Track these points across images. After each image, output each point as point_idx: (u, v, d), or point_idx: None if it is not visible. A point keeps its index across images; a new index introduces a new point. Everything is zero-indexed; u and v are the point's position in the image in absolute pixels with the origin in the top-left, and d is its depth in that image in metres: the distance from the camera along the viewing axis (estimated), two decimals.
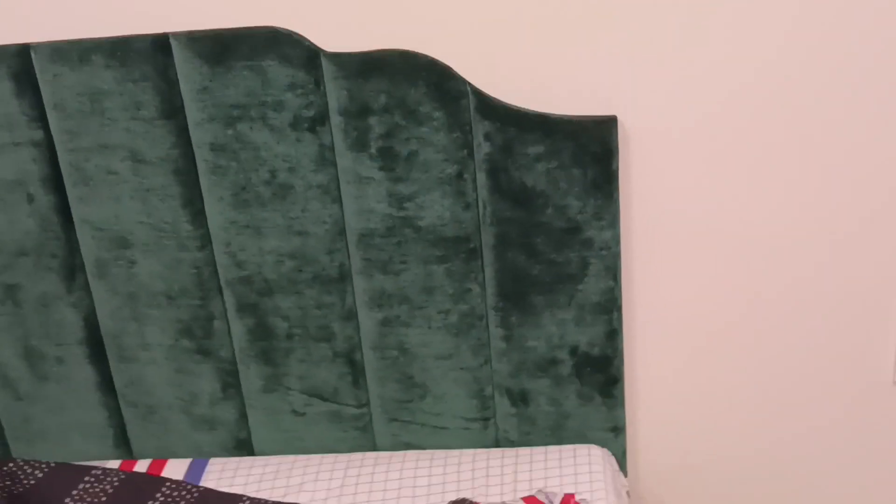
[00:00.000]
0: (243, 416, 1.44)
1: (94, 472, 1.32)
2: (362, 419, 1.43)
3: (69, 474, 1.29)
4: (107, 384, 1.43)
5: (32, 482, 1.27)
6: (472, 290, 1.33)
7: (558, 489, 1.30)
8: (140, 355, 1.40)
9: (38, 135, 1.28)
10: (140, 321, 1.38)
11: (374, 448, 1.45)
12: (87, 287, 1.37)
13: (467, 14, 1.22)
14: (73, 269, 1.36)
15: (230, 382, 1.41)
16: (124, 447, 1.48)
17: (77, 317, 1.38)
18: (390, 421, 1.42)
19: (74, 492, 1.25)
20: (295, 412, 1.43)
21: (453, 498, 1.29)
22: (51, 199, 1.31)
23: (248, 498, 1.31)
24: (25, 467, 1.31)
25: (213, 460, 1.44)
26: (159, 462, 1.44)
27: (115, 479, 1.27)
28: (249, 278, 1.34)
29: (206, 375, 1.41)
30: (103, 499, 1.26)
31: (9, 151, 1.29)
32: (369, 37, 1.24)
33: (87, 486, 1.28)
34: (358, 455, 1.42)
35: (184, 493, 1.31)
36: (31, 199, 1.31)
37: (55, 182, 1.30)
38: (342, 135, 1.25)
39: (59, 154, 1.29)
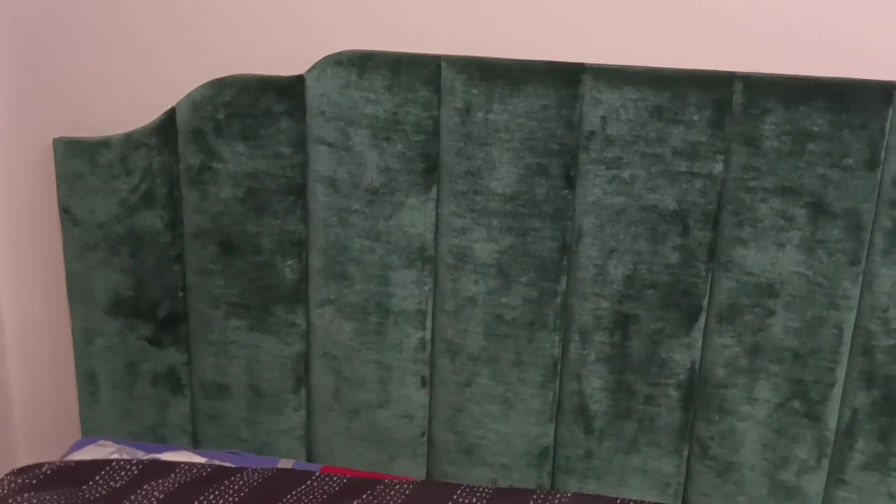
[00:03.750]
0: (826, 491, 1.30)
1: None
2: None
3: None
4: (688, 433, 1.33)
5: None
6: None
7: None
8: (741, 409, 1.28)
9: (718, 168, 1.19)
10: (755, 374, 1.27)
11: None
12: (705, 330, 1.27)
13: None
14: (699, 310, 1.26)
15: (827, 453, 1.29)
16: (681, 500, 1.36)
17: (685, 358, 1.27)
18: None
19: None
20: (892, 496, 1.28)
21: None
22: (703, 235, 1.22)
23: None
24: None
25: None
26: None
27: None
28: (895, 348, 1.23)
29: (805, 442, 1.27)
30: None
31: (681, 181, 1.20)
32: None
33: None
34: None
35: None
36: (685, 232, 1.23)
37: (714, 219, 1.23)
38: None
39: (729, 191, 1.21)
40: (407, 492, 1.20)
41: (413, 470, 1.42)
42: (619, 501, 1.22)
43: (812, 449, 1.28)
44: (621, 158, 1.21)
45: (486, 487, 1.25)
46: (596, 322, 1.29)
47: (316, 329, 1.38)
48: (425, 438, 1.40)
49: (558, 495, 1.25)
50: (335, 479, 1.23)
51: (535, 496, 1.24)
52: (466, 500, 1.21)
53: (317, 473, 1.25)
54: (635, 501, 1.23)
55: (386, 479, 1.25)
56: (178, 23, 1.36)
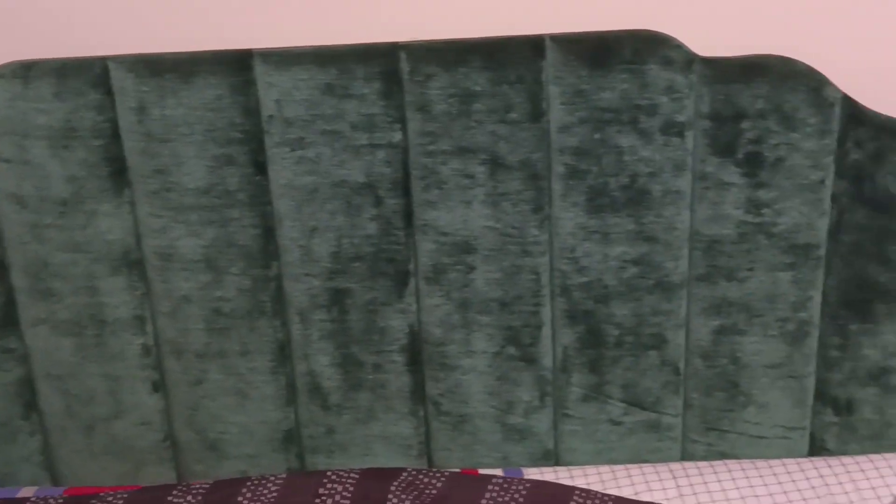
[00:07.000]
0: (555, 426, 1.36)
1: (495, 480, 1.22)
2: (677, 429, 1.36)
3: (471, 483, 1.21)
4: (420, 393, 1.35)
5: (434, 492, 1.18)
6: (813, 298, 1.27)
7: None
8: (462, 363, 1.31)
9: (397, 137, 1.20)
10: (468, 328, 1.30)
11: (684, 458, 1.38)
12: (417, 293, 1.29)
13: (829, 20, 1.20)
14: (406, 275, 1.28)
15: (548, 392, 1.34)
16: (425, 458, 1.39)
17: (402, 323, 1.30)
18: (707, 430, 1.34)
19: (483, 501, 1.16)
20: (612, 422, 1.35)
21: None
22: (397, 203, 1.24)
23: None
24: (422, 477, 1.22)
25: (526, 470, 1.36)
26: (470, 472, 1.36)
27: (521, 487, 1.18)
28: (588, 285, 1.27)
29: (526, 384, 1.33)
30: None
31: (364, 154, 1.21)
32: (730, 42, 1.20)
33: (494, 494, 1.18)
34: (677, 465, 1.35)
35: (597, 501, 1.21)
36: (378, 202, 1.24)
37: (404, 186, 1.24)
38: (708, 140, 1.19)
39: (412, 157, 1.22)
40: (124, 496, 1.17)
41: (163, 474, 1.39)
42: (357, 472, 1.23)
43: (533, 389, 1.33)
44: (304, 139, 1.21)
45: (279, 476, 1.24)
46: (312, 301, 1.29)
47: (34, 351, 1.32)
48: (168, 442, 1.37)
49: (426, 473, 1.24)
50: (52, 500, 1.19)
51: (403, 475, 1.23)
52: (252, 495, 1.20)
53: (51, 497, 1.19)
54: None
55: (111, 490, 1.22)
56: None
